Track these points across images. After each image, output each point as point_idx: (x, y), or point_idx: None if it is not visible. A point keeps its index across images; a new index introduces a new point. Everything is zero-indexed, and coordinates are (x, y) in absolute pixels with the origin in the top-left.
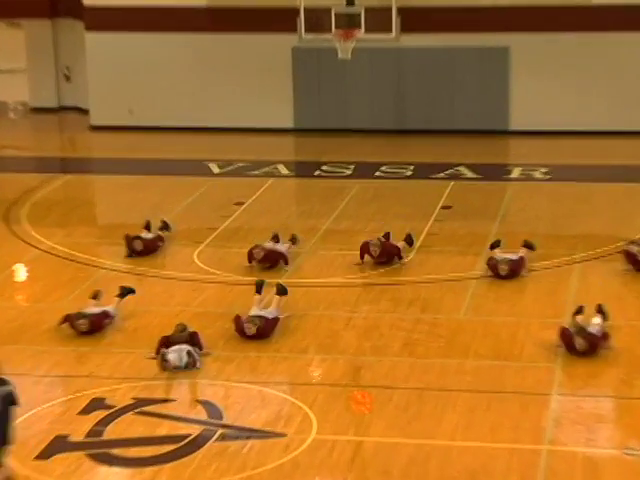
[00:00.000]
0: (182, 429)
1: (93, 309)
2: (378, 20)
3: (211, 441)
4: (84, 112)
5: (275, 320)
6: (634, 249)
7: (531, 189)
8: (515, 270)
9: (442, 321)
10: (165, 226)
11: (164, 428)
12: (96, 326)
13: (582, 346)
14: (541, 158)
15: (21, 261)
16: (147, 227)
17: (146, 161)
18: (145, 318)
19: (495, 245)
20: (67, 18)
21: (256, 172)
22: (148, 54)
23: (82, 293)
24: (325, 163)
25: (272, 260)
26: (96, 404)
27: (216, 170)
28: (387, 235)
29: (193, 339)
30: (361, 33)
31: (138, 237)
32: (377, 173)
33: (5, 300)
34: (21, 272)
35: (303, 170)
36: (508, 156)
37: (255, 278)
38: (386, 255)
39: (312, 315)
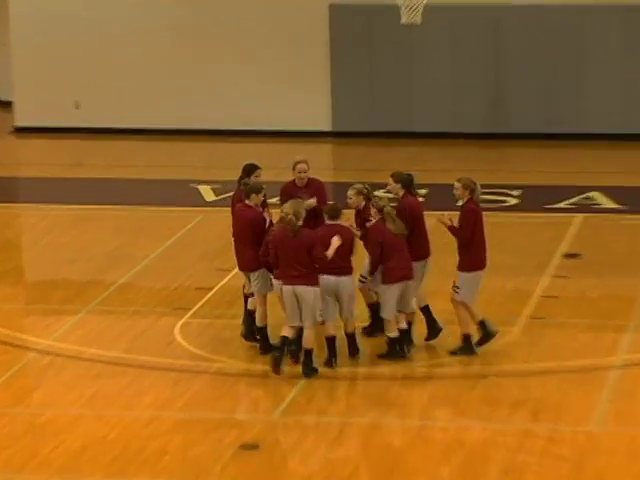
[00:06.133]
0: None
1: None
2: None
3: None
4: (5, 106)
5: None
6: None
7: None
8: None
9: (565, 435)
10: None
11: None
12: None
13: None
14: None
15: None
16: None
17: (100, 182)
18: (99, 429)
19: None
20: None
21: (274, 199)
22: (104, 22)
23: (2, 387)
24: (378, 185)
25: None
26: None
27: (210, 197)
28: None
29: None
30: None
31: None
32: None
33: None
34: None
35: (345, 193)
36: None
37: (266, 367)
38: None
39: (358, 422)
